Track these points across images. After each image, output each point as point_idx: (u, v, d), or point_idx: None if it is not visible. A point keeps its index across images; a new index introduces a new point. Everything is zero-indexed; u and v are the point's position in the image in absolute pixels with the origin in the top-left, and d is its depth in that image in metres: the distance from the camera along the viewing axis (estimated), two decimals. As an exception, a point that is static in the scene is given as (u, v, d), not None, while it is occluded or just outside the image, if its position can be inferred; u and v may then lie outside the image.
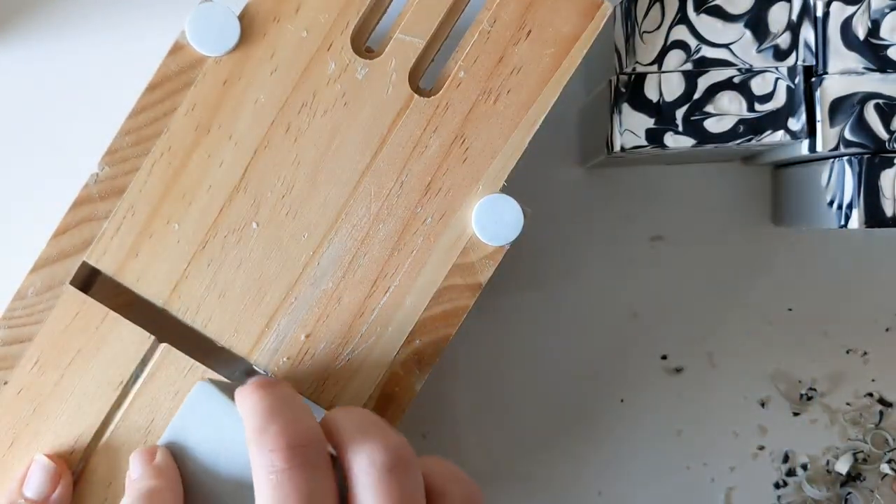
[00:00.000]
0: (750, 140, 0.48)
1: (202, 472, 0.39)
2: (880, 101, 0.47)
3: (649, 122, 0.48)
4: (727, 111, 0.48)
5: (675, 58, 0.48)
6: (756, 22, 0.47)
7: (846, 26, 0.47)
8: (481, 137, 0.43)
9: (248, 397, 0.37)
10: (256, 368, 0.43)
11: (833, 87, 0.47)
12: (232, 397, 0.39)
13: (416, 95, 0.43)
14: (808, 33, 0.47)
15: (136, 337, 0.42)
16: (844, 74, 0.47)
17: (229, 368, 0.45)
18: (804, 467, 0.58)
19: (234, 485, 0.38)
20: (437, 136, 0.43)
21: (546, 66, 0.43)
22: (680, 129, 0.48)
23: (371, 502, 0.35)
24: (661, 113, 0.48)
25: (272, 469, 0.34)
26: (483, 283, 0.43)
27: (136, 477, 0.39)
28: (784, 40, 0.48)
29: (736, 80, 0.48)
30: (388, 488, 0.35)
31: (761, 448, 0.58)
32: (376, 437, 0.36)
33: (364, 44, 0.44)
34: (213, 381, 0.40)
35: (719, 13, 0.47)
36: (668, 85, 0.48)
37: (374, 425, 0.37)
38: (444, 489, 0.37)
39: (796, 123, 0.47)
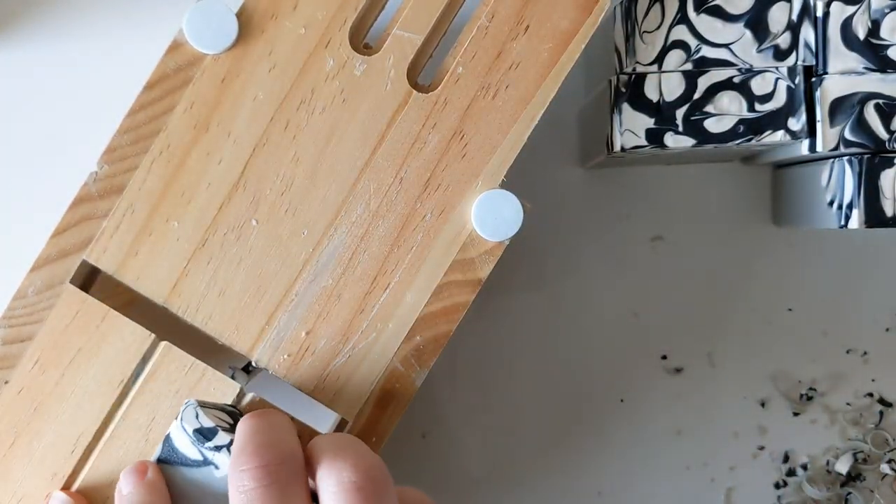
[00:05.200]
0: (750, 140, 0.48)
1: (191, 491, 0.40)
2: (880, 101, 0.47)
3: (649, 122, 0.48)
4: (727, 111, 0.48)
5: (675, 58, 0.48)
6: (756, 22, 0.47)
7: (846, 26, 0.47)
8: (480, 133, 0.43)
9: (239, 423, 0.39)
10: (257, 366, 0.43)
11: (833, 87, 0.47)
12: (222, 421, 0.40)
13: (414, 91, 0.43)
14: (808, 33, 0.47)
15: (137, 335, 0.42)
16: (844, 74, 0.47)
17: (231, 365, 0.45)
18: (804, 467, 0.58)
19: None
20: (436, 132, 0.43)
21: (544, 60, 0.43)
22: (680, 128, 0.48)
23: None
24: (662, 113, 0.48)
25: (242, 488, 0.35)
26: (483, 278, 0.43)
27: (126, 492, 0.40)
28: (784, 40, 0.48)
29: (736, 80, 0.48)
30: None
31: (761, 448, 0.58)
32: (348, 457, 0.36)
33: (362, 40, 0.44)
34: (202, 404, 0.41)
35: (719, 13, 0.47)
36: (668, 85, 0.48)
37: (351, 447, 0.37)
38: None
39: (796, 123, 0.48)
